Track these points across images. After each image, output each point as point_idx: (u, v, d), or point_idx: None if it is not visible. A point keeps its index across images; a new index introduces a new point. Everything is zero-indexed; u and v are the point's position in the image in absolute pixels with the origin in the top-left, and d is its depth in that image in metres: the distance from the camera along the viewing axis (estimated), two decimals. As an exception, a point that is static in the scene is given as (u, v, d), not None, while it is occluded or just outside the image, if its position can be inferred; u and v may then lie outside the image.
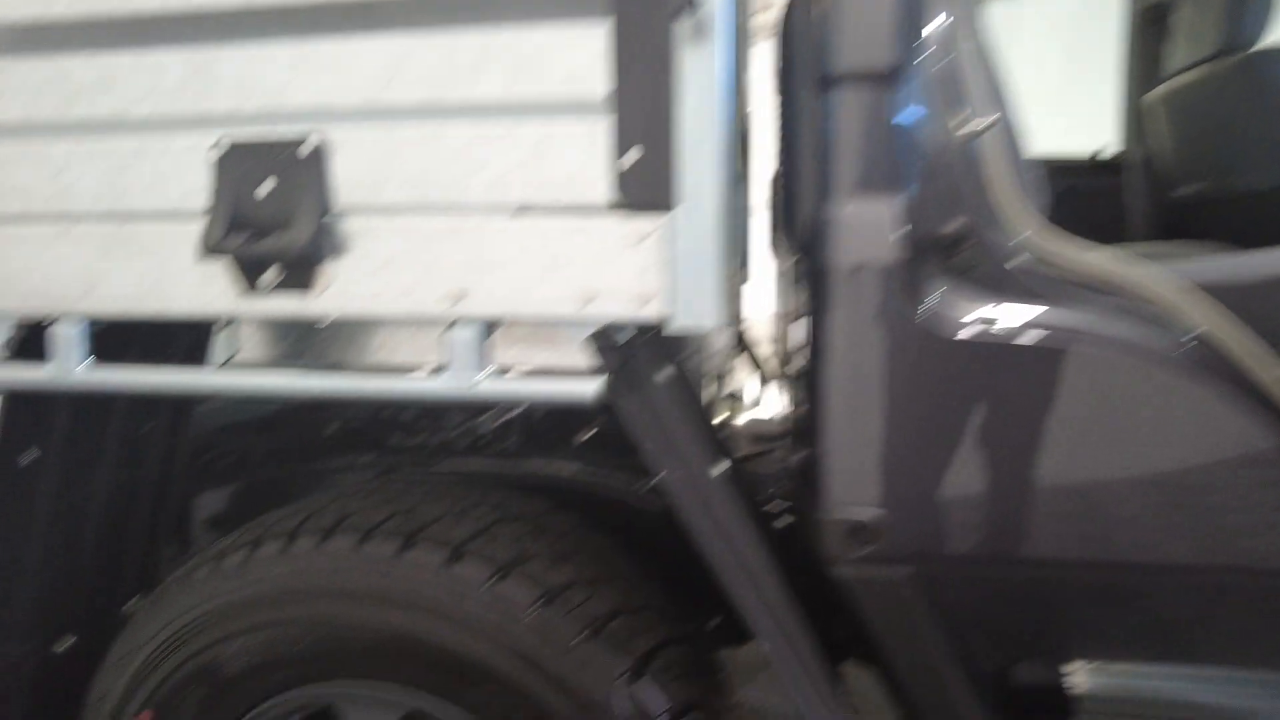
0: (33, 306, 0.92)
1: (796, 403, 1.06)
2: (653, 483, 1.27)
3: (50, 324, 0.93)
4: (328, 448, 1.61)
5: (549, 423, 2.08)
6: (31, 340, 1.00)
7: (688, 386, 0.95)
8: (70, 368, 0.92)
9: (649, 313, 0.77)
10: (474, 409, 1.96)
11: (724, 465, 0.92)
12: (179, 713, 1.06)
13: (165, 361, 1.07)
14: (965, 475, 0.85)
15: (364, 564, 0.98)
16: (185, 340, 1.17)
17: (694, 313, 0.75)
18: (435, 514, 1.03)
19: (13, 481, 1.08)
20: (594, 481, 1.28)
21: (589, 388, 0.80)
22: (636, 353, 0.87)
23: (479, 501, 1.08)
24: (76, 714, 1.17)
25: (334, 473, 1.43)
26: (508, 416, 1.87)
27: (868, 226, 0.83)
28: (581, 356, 0.86)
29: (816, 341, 0.88)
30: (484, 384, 0.81)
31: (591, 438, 2.15)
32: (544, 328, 0.97)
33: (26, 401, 1.07)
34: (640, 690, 0.94)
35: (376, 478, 1.29)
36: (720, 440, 1.01)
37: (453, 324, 0.81)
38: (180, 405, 1.34)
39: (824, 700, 0.89)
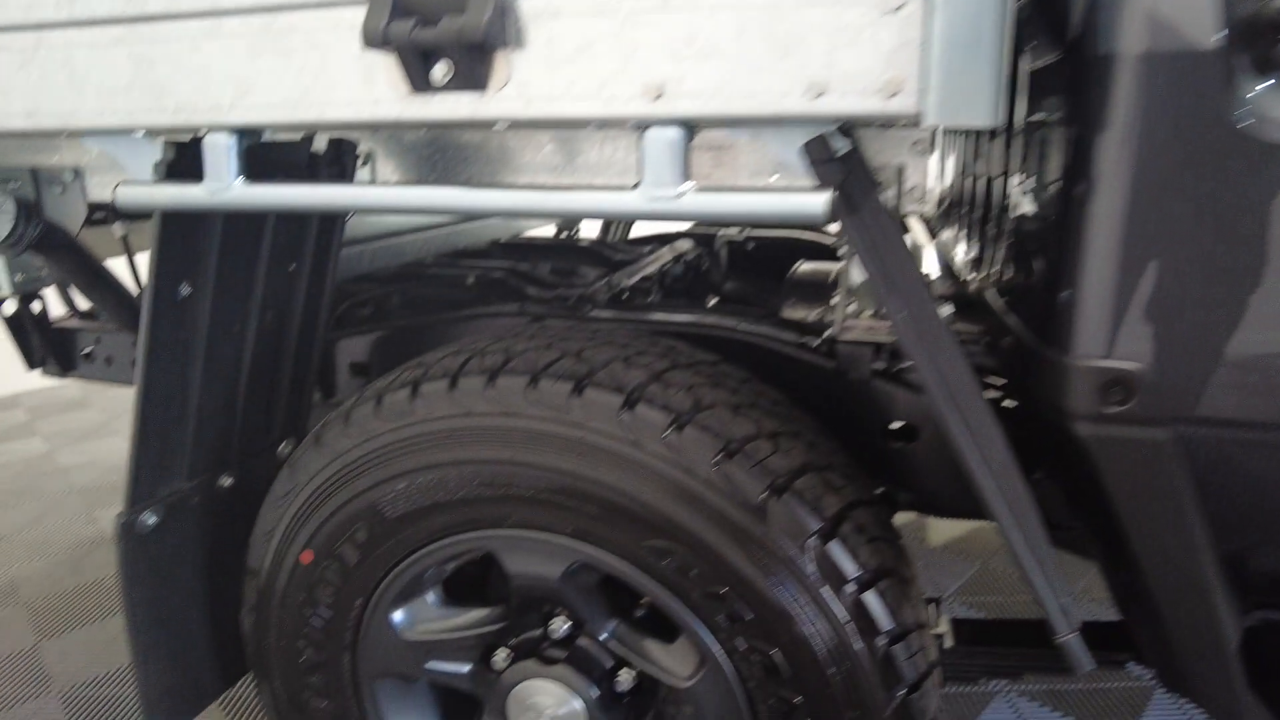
0: (184, 119, 0.85)
1: (1032, 236, 0.91)
2: (825, 336, 1.16)
3: (202, 136, 0.86)
4: (465, 299, 1.55)
5: (686, 281, 1.98)
6: (183, 162, 0.95)
7: (898, 218, 0.81)
8: (225, 185, 0.86)
9: (898, 105, 0.63)
10: (612, 263, 1.88)
11: (947, 309, 0.79)
12: (339, 554, 1.05)
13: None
14: (1263, 326, 0.69)
15: (535, 406, 0.91)
16: (327, 173, 1.10)
17: (960, 104, 0.61)
18: (606, 358, 0.95)
19: (171, 315, 1.06)
20: (762, 334, 1.17)
21: (818, 202, 0.67)
22: (855, 170, 0.73)
23: (647, 349, 1.00)
24: (243, 550, 1.19)
25: (473, 320, 1.37)
26: (646, 272, 1.77)
27: (1172, 3, 0.66)
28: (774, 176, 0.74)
29: (1081, 155, 0.72)
30: (688, 198, 0.69)
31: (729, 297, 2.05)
32: (725, 145, 0.84)
33: (179, 236, 1.02)
34: (833, 552, 0.86)
35: (530, 324, 1.22)
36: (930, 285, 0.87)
37: (648, 127, 0.69)
38: (323, 248, 1.29)
39: (1051, 576, 0.78)
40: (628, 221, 2.74)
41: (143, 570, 1.13)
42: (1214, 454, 0.75)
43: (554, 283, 1.65)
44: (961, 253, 1.59)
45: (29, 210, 1.19)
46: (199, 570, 1.22)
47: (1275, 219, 0.66)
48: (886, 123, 0.70)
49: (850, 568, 0.86)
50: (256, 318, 1.20)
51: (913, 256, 0.85)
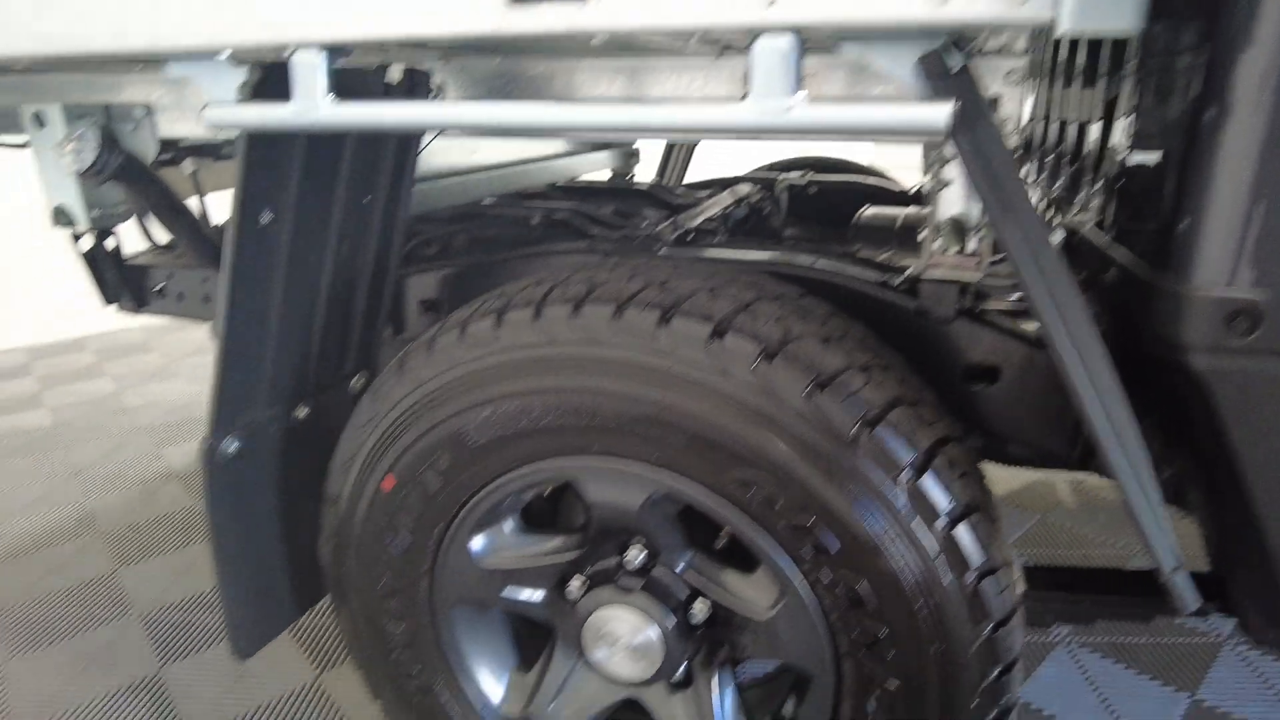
0: (273, 36, 0.84)
1: (1143, 171, 0.86)
2: (907, 275, 1.13)
3: (290, 56, 0.85)
4: (532, 237, 1.55)
5: (748, 224, 1.95)
6: (267, 85, 0.94)
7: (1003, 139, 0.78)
8: (314, 103, 0.85)
9: (1030, 12, 0.59)
10: (672, 206, 1.85)
11: (1057, 234, 0.76)
12: (422, 480, 1.06)
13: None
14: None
15: (621, 335, 0.90)
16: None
17: (1097, 7, 0.57)
18: (691, 288, 0.93)
19: (253, 242, 1.06)
20: (843, 273, 1.14)
21: (939, 114, 0.64)
22: (969, 88, 0.70)
23: (731, 280, 0.98)
24: (318, 480, 1.22)
25: (543, 257, 1.36)
26: (709, 214, 1.75)
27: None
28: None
29: (1214, 79, 0.68)
30: (799, 111, 0.67)
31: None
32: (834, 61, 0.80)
33: (263, 161, 1.02)
34: (925, 485, 0.85)
35: (606, 259, 1.21)
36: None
37: (758, 36, 0.67)
38: (397, 182, 1.28)
39: (1157, 511, 0.76)
40: (684, 163, 2.70)
41: (225, 495, 1.16)
42: (1341, 388, 0.72)
43: (617, 223, 1.64)
44: (1037, 194, 1.54)
45: (110, 141, 1.20)
46: (277, 497, 1.25)
47: None
48: (997, 36, 0.66)
49: (943, 501, 0.85)
50: (333, 249, 1.21)
51: (1023, 182, 0.81)
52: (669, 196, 1.96)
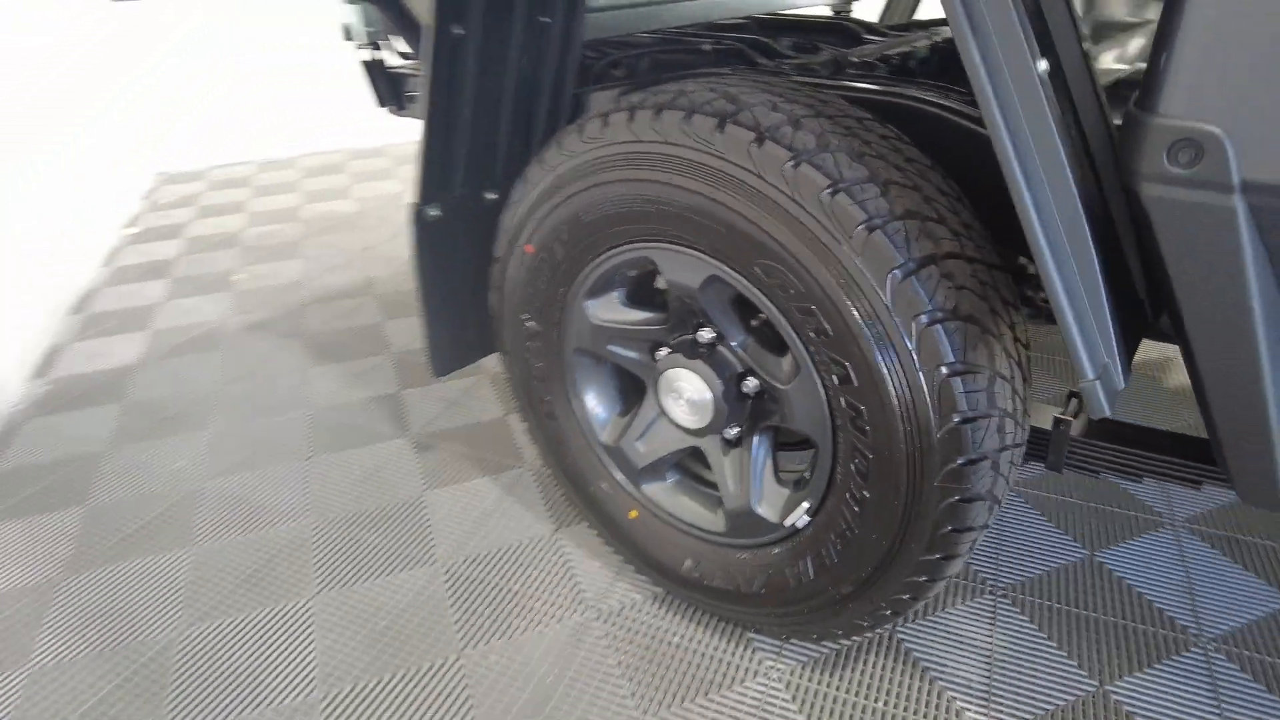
0: None
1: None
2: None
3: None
4: (704, 64, 1.73)
5: (930, 65, 1.95)
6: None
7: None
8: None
9: None
10: (860, 40, 1.92)
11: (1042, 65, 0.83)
12: (551, 249, 1.37)
13: None
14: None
15: (687, 136, 1.11)
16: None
17: None
18: (754, 103, 1.10)
19: (448, 51, 1.38)
20: (934, 103, 1.22)
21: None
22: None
23: (799, 101, 1.13)
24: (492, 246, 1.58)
25: (700, 79, 1.55)
26: (886, 52, 1.80)
27: None
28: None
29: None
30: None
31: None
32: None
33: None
34: (909, 286, 0.99)
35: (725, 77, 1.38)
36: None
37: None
38: (572, 7, 1.52)
39: (1085, 317, 0.85)
40: (911, 3, 2.63)
41: (426, 250, 1.56)
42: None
43: (785, 54, 1.75)
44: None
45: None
46: (467, 259, 1.63)
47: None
48: None
49: (923, 303, 0.99)
50: (515, 61, 1.49)
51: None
52: (864, 32, 2.00)
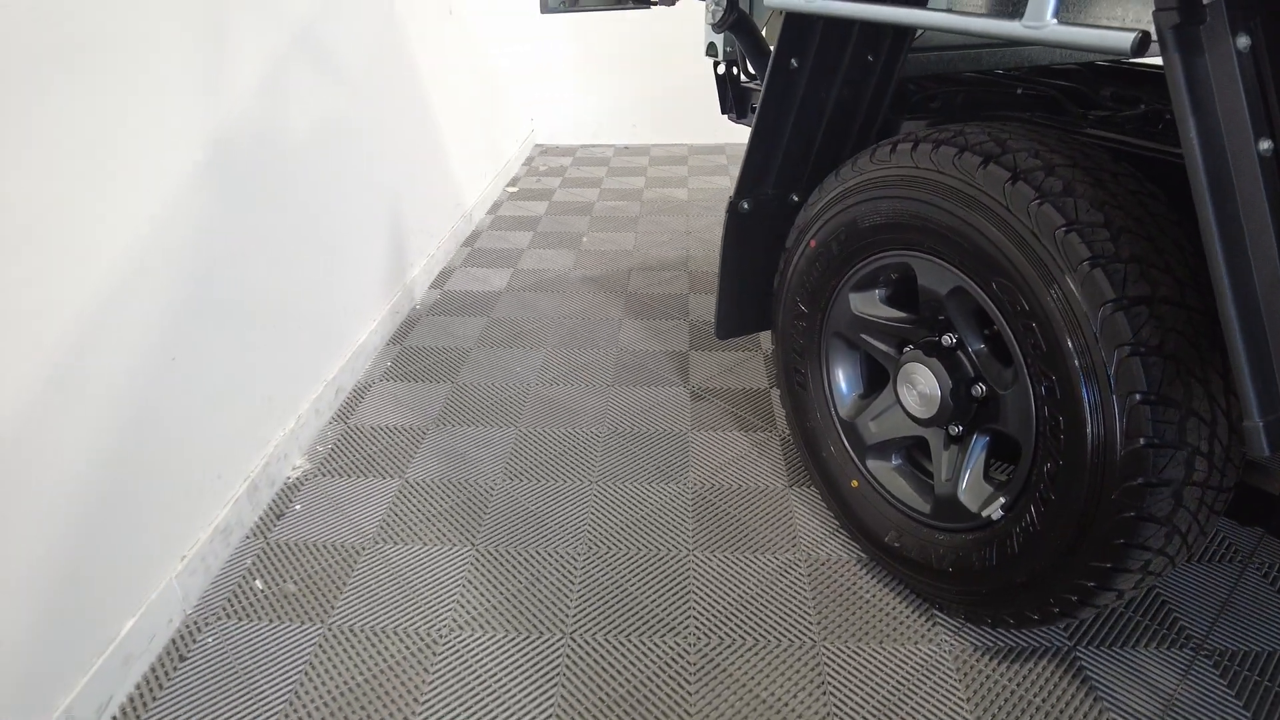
0: None
1: None
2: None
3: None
4: (1014, 105, 1.90)
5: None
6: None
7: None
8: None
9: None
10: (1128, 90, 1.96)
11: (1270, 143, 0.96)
12: (829, 246, 1.67)
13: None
14: None
15: (955, 169, 1.34)
16: None
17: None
18: (1017, 148, 1.31)
19: (784, 79, 1.73)
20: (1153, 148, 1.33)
21: (1126, 39, 0.95)
22: (1201, 16, 0.95)
23: (1058, 149, 1.31)
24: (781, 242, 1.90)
25: (999, 120, 1.74)
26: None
27: None
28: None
29: None
30: (1051, 27, 1.03)
31: None
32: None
33: (795, 28, 1.65)
34: (1116, 320, 1.14)
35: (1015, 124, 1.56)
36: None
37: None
38: (896, 46, 1.79)
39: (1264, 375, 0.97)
40: None
41: (733, 235, 1.93)
42: None
43: (1099, 103, 1.86)
44: None
45: (734, 5, 1.94)
46: (763, 247, 1.99)
47: None
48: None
49: (1126, 334, 1.14)
50: (838, 89, 1.80)
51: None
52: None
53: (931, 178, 1.39)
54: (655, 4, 2.45)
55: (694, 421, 2.34)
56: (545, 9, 2.81)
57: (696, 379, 2.57)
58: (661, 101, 5.39)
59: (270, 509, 2.00)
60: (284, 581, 1.77)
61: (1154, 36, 0.98)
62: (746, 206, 1.91)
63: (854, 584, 1.74)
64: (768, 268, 2.02)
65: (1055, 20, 1.04)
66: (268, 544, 1.89)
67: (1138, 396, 1.15)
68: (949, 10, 1.26)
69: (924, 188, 1.41)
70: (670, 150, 5.41)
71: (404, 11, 3.10)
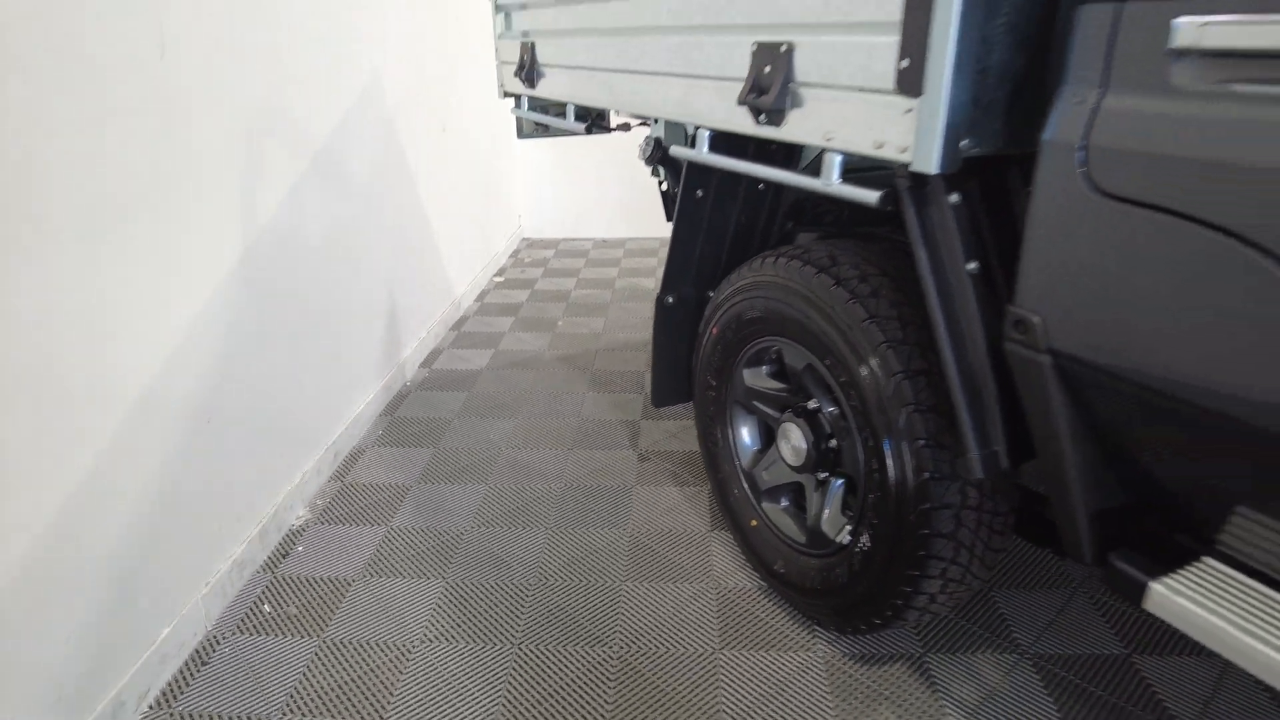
0: (661, 115, 1.96)
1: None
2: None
3: (695, 129, 1.95)
4: (879, 220, 2.39)
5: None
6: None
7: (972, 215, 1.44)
8: (701, 151, 1.94)
9: (905, 156, 1.34)
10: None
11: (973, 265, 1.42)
12: (726, 332, 2.12)
13: (769, 160, 2.00)
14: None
15: (799, 277, 1.81)
16: (781, 149, 2.09)
17: (925, 160, 1.30)
18: (843, 260, 1.78)
19: (693, 204, 2.22)
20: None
21: (872, 197, 1.43)
22: (926, 183, 1.42)
23: (873, 260, 1.77)
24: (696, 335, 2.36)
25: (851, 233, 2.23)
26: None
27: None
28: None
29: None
30: (836, 185, 1.51)
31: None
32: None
33: (695, 170, 2.15)
34: (904, 385, 1.59)
35: (842, 238, 2.04)
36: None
37: (824, 150, 1.52)
38: (778, 185, 2.28)
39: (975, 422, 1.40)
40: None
41: (660, 324, 2.39)
42: (1075, 377, 1.26)
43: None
44: None
45: (658, 144, 2.46)
46: (685, 333, 2.45)
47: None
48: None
49: (910, 397, 1.58)
50: (738, 211, 2.29)
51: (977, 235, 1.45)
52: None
53: (786, 283, 1.86)
54: (613, 129, 2.98)
55: (638, 479, 2.76)
56: (521, 135, 3.36)
57: (645, 443, 3.00)
58: (637, 199, 5.97)
59: (277, 549, 2.40)
60: (287, 605, 2.16)
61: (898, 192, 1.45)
62: (671, 300, 2.38)
63: (752, 606, 2.13)
64: (690, 349, 2.48)
65: (839, 180, 1.52)
66: (274, 576, 2.28)
67: (920, 442, 1.58)
68: (784, 169, 1.75)
69: (782, 290, 1.87)
70: (643, 243, 5.96)
71: (403, 129, 3.66)
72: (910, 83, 1.29)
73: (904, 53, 1.30)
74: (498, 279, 5.17)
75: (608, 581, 2.24)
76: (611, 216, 6.09)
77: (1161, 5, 1.07)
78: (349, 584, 2.25)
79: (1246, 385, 1.03)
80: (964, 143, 1.28)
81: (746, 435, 2.25)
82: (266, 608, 2.16)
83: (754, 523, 2.18)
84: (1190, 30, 1.03)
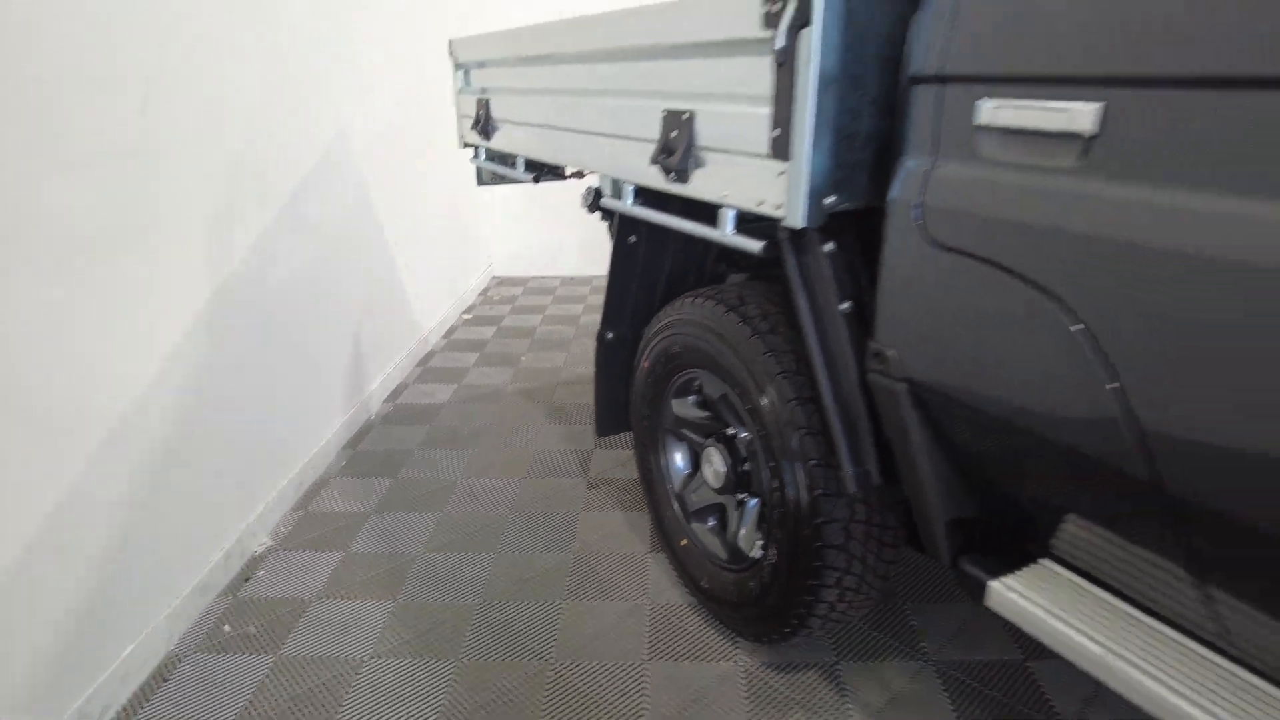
0: (593, 170, 2.16)
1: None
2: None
3: (621, 183, 2.15)
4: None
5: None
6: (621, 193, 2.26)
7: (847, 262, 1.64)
8: (628, 203, 2.15)
9: (780, 212, 1.54)
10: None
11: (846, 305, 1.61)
12: (656, 365, 2.31)
13: (694, 215, 2.20)
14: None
15: (713, 315, 2.00)
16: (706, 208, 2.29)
17: (794, 216, 1.50)
18: (750, 300, 1.97)
19: (626, 249, 2.42)
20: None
21: (756, 246, 1.63)
22: (803, 233, 1.62)
23: (777, 300, 1.97)
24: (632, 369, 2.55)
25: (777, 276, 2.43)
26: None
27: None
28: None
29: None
30: (730, 235, 1.71)
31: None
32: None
33: (628, 222, 2.36)
34: (796, 410, 1.77)
35: (756, 281, 2.23)
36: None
37: (721, 205, 1.72)
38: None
39: (855, 461, 1.59)
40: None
41: (602, 359, 2.58)
42: (928, 403, 1.46)
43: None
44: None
45: (597, 194, 2.67)
46: (624, 367, 2.63)
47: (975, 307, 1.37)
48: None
49: (801, 421, 1.76)
50: (671, 255, 2.49)
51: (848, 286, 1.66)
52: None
53: (703, 321, 2.05)
54: (567, 177, 3.19)
55: (586, 505, 2.92)
56: (480, 182, 3.58)
57: (594, 471, 3.17)
58: (603, 239, 6.19)
59: (239, 574, 2.54)
60: (247, 625, 2.30)
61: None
62: (610, 336, 2.57)
63: (682, 620, 2.29)
64: (628, 381, 2.66)
65: (733, 231, 1.72)
66: (235, 599, 2.42)
67: (812, 462, 1.76)
68: (698, 221, 1.95)
69: (699, 327, 2.07)
70: (611, 280, 6.18)
71: (371, 179, 3.86)
72: (780, 149, 1.50)
73: (775, 123, 1.51)
74: (466, 316, 5.35)
75: (550, 600, 2.39)
76: (579, 256, 6.31)
77: (972, 87, 1.29)
78: (306, 605, 2.39)
79: (1045, 404, 1.23)
80: (829, 199, 1.48)
81: (677, 460, 2.42)
82: (227, 628, 2.29)
83: (684, 542, 2.35)
84: (988, 110, 1.24)
